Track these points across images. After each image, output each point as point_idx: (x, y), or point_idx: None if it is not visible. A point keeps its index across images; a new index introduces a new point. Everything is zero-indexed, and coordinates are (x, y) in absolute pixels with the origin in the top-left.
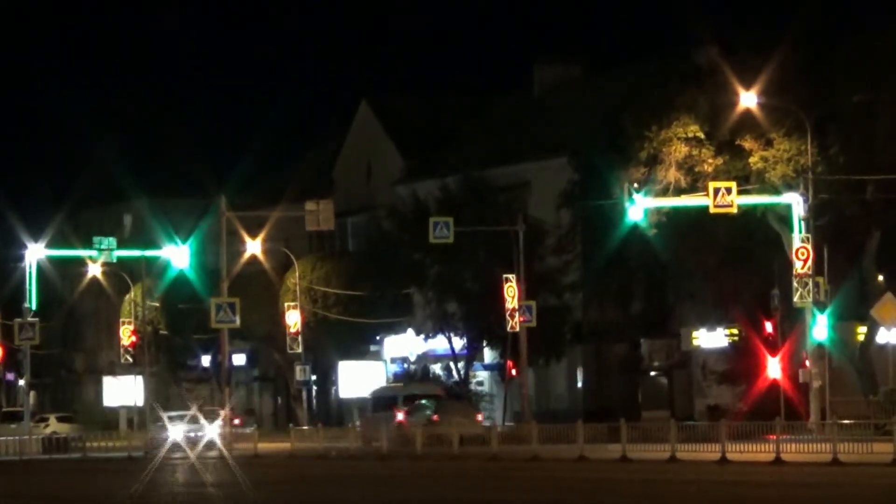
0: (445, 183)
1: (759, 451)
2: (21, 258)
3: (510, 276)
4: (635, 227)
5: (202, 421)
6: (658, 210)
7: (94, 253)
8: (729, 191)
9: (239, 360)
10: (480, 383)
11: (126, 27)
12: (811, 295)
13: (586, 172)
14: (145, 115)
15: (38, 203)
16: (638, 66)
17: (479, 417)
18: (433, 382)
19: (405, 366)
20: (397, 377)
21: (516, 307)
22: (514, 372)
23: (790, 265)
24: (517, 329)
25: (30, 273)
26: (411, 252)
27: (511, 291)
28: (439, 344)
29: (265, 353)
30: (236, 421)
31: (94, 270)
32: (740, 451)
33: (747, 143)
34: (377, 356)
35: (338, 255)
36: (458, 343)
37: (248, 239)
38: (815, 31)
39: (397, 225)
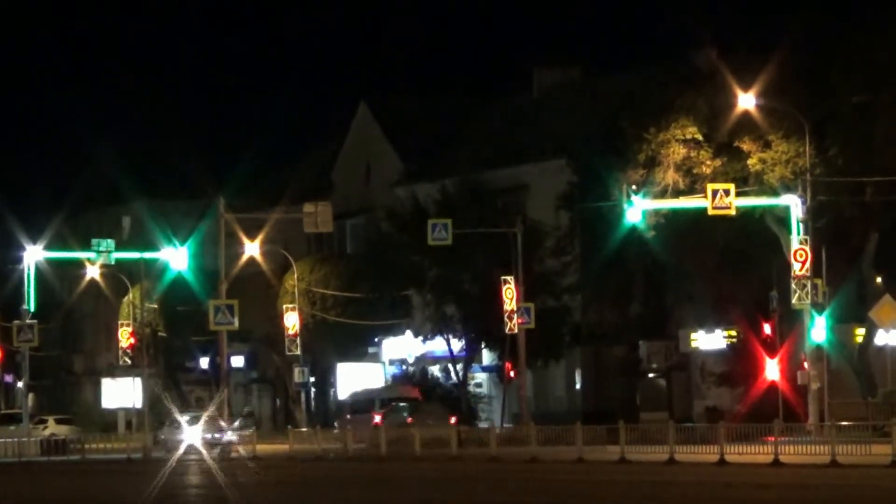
0: (444, 185)
1: (757, 453)
2: (20, 260)
3: (509, 277)
4: (634, 228)
5: (219, 423)
6: (656, 212)
7: (92, 255)
8: (727, 192)
9: (237, 361)
10: (479, 385)
11: (126, 28)
12: (809, 297)
13: (585, 174)
14: (144, 116)
15: (36, 205)
16: (636, 69)
17: (452, 420)
18: (411, 385)
19: (403, 367)
20: (396, 379)
21: (515, 309)
22: (512, 374)
23: (788, 267)
24: (516, 331)
25: (28, 275)
26: (410, 254)
27: (510, 293)
28: (438, 346)
29: (264, 355)
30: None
31: (93, 272)
32: (739, 453)
33: (746, 145)
34: (376, 358)
35: (336, 257)
36: (457, 345)
37: (246, 241)
38: (813, 33)
39: (396, 227)
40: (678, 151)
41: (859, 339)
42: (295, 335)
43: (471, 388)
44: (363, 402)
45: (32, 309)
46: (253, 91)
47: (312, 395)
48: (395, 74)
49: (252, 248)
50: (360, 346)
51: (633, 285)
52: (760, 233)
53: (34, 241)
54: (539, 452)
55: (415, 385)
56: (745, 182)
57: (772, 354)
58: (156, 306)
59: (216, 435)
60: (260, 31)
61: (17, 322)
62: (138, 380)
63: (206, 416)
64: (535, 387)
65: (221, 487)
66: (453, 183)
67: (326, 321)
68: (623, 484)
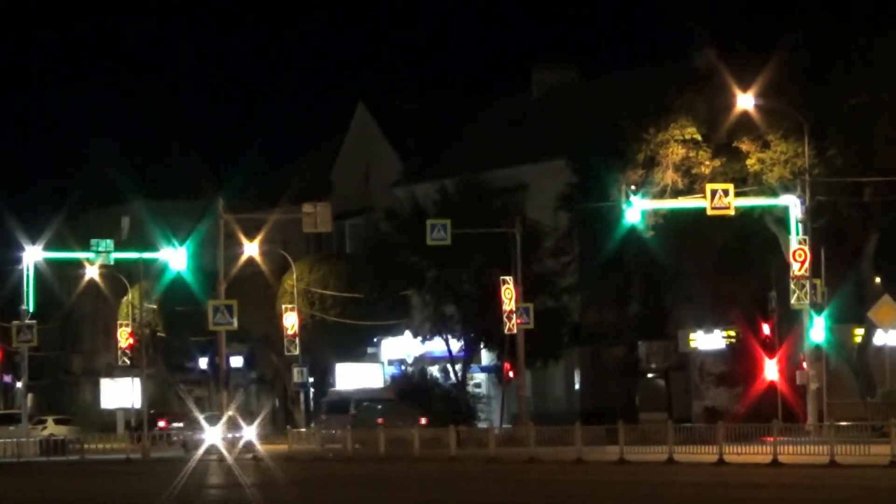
0: (443, 185)
1: (756, 453)
2: (19, 260)
3: (508, 278)
4: (633, 229)
5: (239, 422)
6: (655, 212)
7: (91, 255)
8: (726, 193)
9: (236, 362)
10: (478, 385)
11: (126, 28)
12: (808, 297)
13: (584, 175)
14: (144, 116)
15: (35, 205)
16: (635, 69)
17: (423, 420)
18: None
19: (402, 368)
20: (395, 379)
21: (514, 309)
22: (511, 374)
23: (787, 267)
24: (515, 331)
25: (27, 275)
26: (409, 254)
27: (508, 293)
28: (437, 346)
29: (263, 355)
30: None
31: (92, 272)
32: (738, 453)
33: (745, 145)
34: (375, 358)
35: (335, 258)
36: (456, 345)
37: (245, 241)
38: (812, 34)
39: (395, 227)
40: (677, 152)
41: (858, 340)
42: (294, 335)
43: (470, 389)
44: (339, 402)
45: (31, 309)
46: (252, 91)
47: (311, 395)
48: (395, 75)
49: (251, 249)
50: (359, 347)
51: (632, 285)
52: (759, 233)
53: (33, 241)
54: (538, 453)
55: (416, 384)
56: (744, 182)
57: (771, 355)
58: (155, 306)
59: (236, 434)
60: (259, 31)
61: (16, 322)
62: (137, 380)
63: (226, 415)
64: (533, 387)
65: (246, 487)
66: (452, 183)
67: (325, 321)
68: (622, 484)
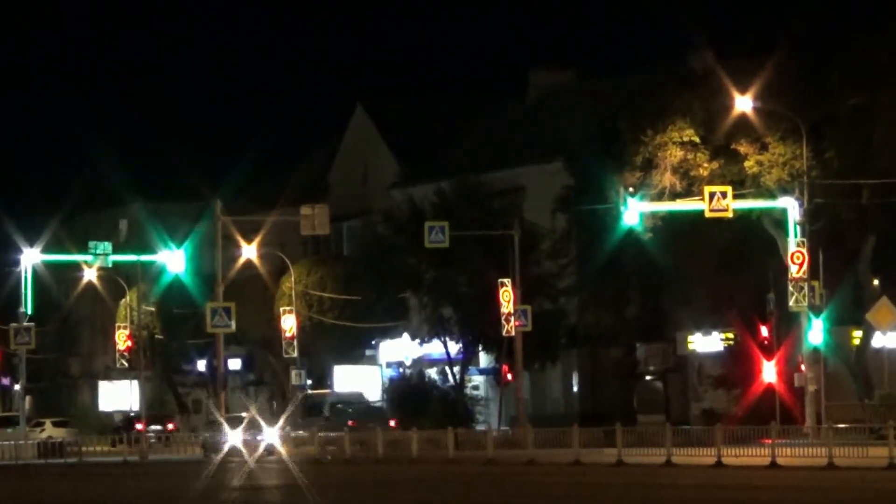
0: (441, 187)
1: (754, 456)
2: (16, 263)
3: (505, 280)
4: (631, 231)
5: (261, 424)
6: (653, 214)
7: (89, 257)
8: (724, 195)
9: (234, 364)
10: (476, 387)
11: (125, 29)
12: (806, 299)
13: (582, 177)
14: (142, 118)
15: (33, 207)
16: (633, 71)
17: (393, 423)
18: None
19: (401, 370)
20: (392, 382)
21: (512, 311)
22: (509, 376)
23: (785, 269)
24: (512, 333)
25: (25, 278)
26: (407, 256)
27: (506, 296)
28: (435, 348)
29: (260, 358)
30: (170, 426)
31: (90, 275)
32: (736, 456)
33: (742, 148)
34: (373, 360)
35: (333, 260)
36: (454, 347)
37: (243, 243)
38: (811, 35)
39: (393, 229)
40: (675, 154)
41: (856, 342)
42: (292, 337)
43: (468, 391)
44: (314, 406)
45: (29, 312)
46: (250, 93)
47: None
48: (392, 76)
49: (249, 251)
50: (357, 349)
51: (629, 288)
52: (757, 235)
53: (31, 243)
54: (536, 455)
55: (414, 386)
56: (742, 184)
57: (769, 357)
58: (153, 309)
59: (258, 437)
60: (255, 35)
61: (14, 325)
62: (135, 382)
63: (247, 416)
64: (531, 389)
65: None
66: (450, 185)
67: (323, 323)
68: (620, 486)
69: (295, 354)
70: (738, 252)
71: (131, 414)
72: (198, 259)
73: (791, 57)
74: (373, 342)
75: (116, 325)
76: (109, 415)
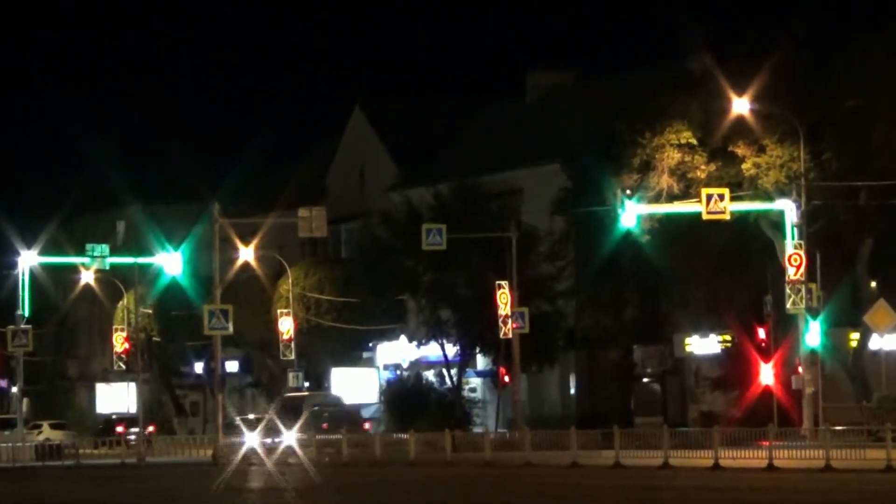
0: (438, 189)
1: (751, 458)
2: (14, 265)
3: (503, 282)
4: (628, 233)
5: (279, 427)
6: (651, 216)
7: (86, 260)
8: (721, 197)
9: (232, 366)
10: (473, 390)
11: (125, 30)
12: (804, 301)
13: (579, 179)
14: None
15: (31, 210)
16: (631, 73)
17: (367, 426)
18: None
19: (398, 372)
20: (390, 384)
21: (509, 314)
22: (506, 378)
23: (783, 271)
24: (510, 335)
25: (23, 280)
26: (404, 259)
27: (504, 298)
28: (432, 350)
29: (258, 360)
30: (150, 428)
31: (87, 277)
32: (733, 458)
33: (740, 150)
34: (370, 363)
35: (331, 262)
36: (451, 350)
37: (241, 245)
38: (810, 36)
39: (390, 231)
40: (672, 156)
41: (854, 344)
42: (289, 340)
43: (465, 393)
44: (290, 408)
45: (27, 314)
46: (248, 96)
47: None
48: (390, 79)
49: (247, 253)
50: (354, 351)
51: (627, 290)
52: (755, 237)
53: (29, 246)
54: (533, 457)
55: (411, 388)
56: (740, 186)
57: (766, 359)
58: (150, 311)
59: (276, 440)
60: (254, 37)
61: (11, 327)
62: (132, 385)
63: (265, 419)
64: (529, 391)
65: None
66: (448, 187)
67: (321, 326)
68: (617, 488)
69: (292, 357)
70: (736, 254)
71: (113, 416)
72: (195, 261)
73: (790, 57)
74: (370, 344)
75: (114, 327)
76: (107, 417)
